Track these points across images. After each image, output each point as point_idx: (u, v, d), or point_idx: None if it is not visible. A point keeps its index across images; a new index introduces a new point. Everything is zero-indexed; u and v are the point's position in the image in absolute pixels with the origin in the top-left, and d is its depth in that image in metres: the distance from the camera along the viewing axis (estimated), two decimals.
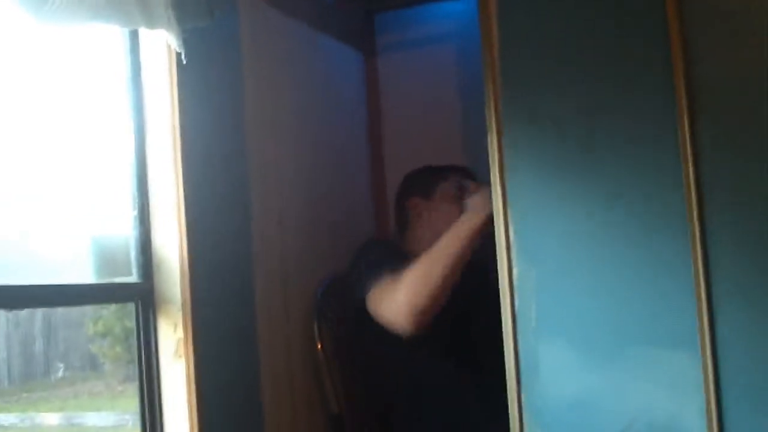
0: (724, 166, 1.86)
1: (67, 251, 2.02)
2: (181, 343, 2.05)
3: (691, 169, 1.87)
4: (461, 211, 2.52)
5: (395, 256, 2.52)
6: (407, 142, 2.98)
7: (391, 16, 3.21)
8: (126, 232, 2.09)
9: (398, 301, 2.32)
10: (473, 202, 2.46)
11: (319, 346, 2.51)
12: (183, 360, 2.04)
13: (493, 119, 2.05)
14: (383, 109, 3.18)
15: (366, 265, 2.52)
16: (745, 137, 1.86)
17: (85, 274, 2.03)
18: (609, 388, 1.94)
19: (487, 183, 2.12)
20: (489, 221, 2.19)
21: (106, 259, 2.08)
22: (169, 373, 2.05)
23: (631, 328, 1.93)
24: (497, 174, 2.04)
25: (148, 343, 2.06)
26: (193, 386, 2.03)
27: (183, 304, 2.05)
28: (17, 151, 1.91)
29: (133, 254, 2.08)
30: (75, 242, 2.03)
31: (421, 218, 2.69)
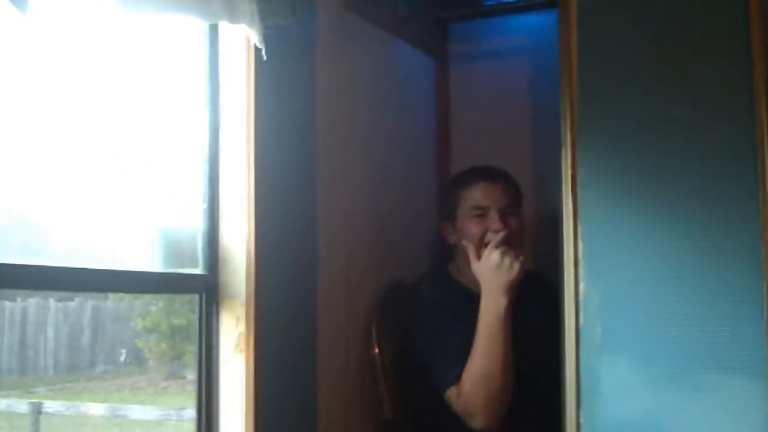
0: None
1: (137, 240, 2.03)
2: (243, 338, 2.05)
3: (767, 193, 1.85)
4: (483, 228, 2.52)
5: (458, 325, 2.48)
6: (475, 151, 2.97)
7: (465, 26, 3.21)
8: (195, 225, 2.10)
9: (473, 413, 2.38)
10: (483, 273, 2.45)
11: (376, 350, 2.50)
12: (243, 354, 2.04)
13: (569, 133, 2.04)
14: (453, 117, 3.17)
15: (436, 345, 2.48)
16: None
17: (153, 264, 2.05)
18: (670, 411, 1.92)
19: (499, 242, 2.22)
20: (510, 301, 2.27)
21: (173, 250, 2.09)
22: (229, 367, 2.06)
23: (695, 352, 1.90)
24: (569, 189, 2.02)
25: (209, 336, 2.07)
26: (252, 381, 2.03)
27: (247, 299, 2.05)
28: (95, 141, 1.93)
29: (200, 247, 2.09)
30: (145, 232, 2.05)
31: (454, 246, 2.66)
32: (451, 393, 2.40)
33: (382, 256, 2.68)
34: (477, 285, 2.53)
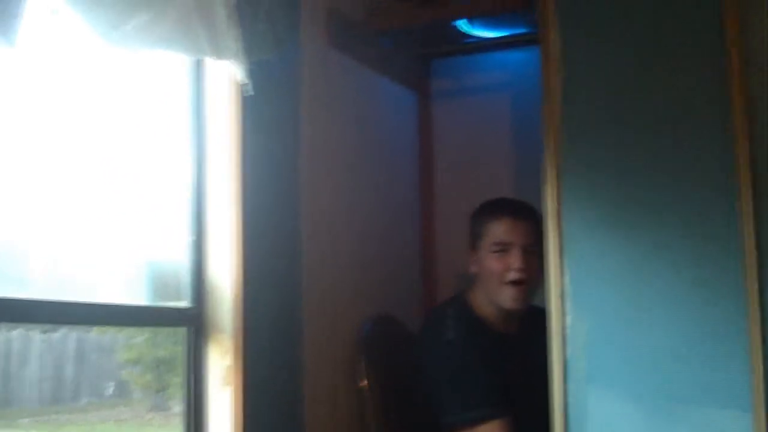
0: None
1: (123, 274, 2.03)
2: (230, 371, 2.05)
3: (751, 228, 1.87)
4: (503, 266, 2.51)
5: (483, 361, 2.47)
6: (459, 186, 2.99)
7: (448, 62, 3.23)
8: (181, 258, 2.10)
9: None
10: None
11: (364, 383, 2.50)
12: (230, 388, 2.04)
13: (553, 169, 2.06)
14: (436, 152, 3.19)
15: (445, 386, 2.46)
16: None
17: (140, 297, 2.04)
18: None
19: None
20: None
21: (160, 283, 2.09)
22: (216, 401, 2.05)
23: (682, 385, 1.92)
24: (554, 222, 2.04)
25: (197, 369, 2.06)
26: (240, 414, 2.03)
27: (233, 332, 2.05)
28: (80, 173, 1.93)
29: (186, 280, 2.09)
30: (132, 265, 2.05)
31: (477, 277, 2.61)
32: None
33: (366, 290, 2.68)
34: (496, 318, 2.56)
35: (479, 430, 2.39)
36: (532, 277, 2.51)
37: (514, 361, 2.53)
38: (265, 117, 2.22)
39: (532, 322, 2.53)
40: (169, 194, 2.15)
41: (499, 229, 2.55)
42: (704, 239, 1.93)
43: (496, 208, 2.61)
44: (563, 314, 2.01)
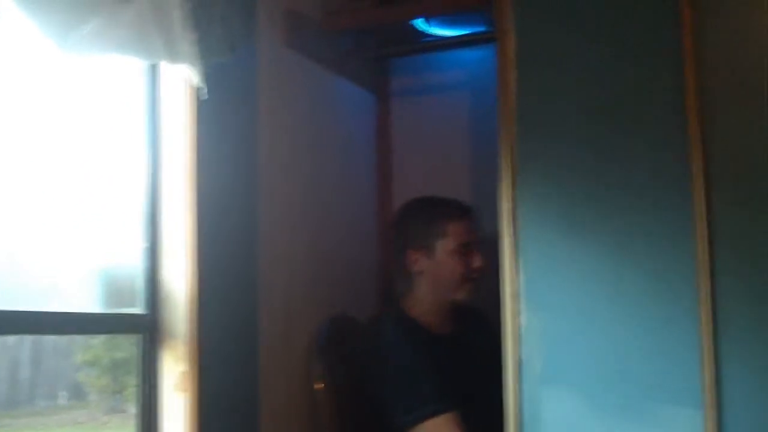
0: (736, 225, 1.88)
1: (75, 280, 2.02)
2: (184, 377, 2.04)
3: (704, 228, 1.89)
4: (465, 265, 2.55)
5: (423, 361, 2.51)
6: (416, 186, 2.98)
7: (406, 62, 3.24)
8: (135, 265, 2.09)
9: None
10: None
11: (319, 385, 2.50)
12: (185, 393, 2.03)
13: (508, 168, 2.07)
14: (394, 152, 3.19)
15: (389, 389, 2.49)
16: (758, 195, 1.88)
17: (93, 304, 2.03)
18: None
19: None
20: None
21: (113, 289, 2.08)
22: (170, 407, 2.05)
23: (636, 382, 1.94)
24: (509, 223, 2.05)
25: (151, 375, 2.05)
26: (194, 420, 2.03)
27: (188, 338, 2.05)
28: (32, 178, 1.91)
29: (141, 286, 2.08)
30: (84, 272, 2.03)
31: (422, 276, 2.64)
32: (423, 428, 2.41)
33: (323, 291, 2.68)
34: (431, 319, 2.58)
35: (428, 427, 2.41)
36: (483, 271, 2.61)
37: (452, 361, 2.56)
38: (221, 120, 2.21)
39: (463, 322, 2.60)
40: (123, 200, 2.13)
41: (463, 230, 2.61)
42: (658, 238, 1.95)
43: (451, 209, 2.65)
44: (517, 314, 2.03)
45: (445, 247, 2.60)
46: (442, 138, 3.12)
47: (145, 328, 2.06)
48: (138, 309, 2.08)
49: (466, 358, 2.61)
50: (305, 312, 2.56)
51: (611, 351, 1.96)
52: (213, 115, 2.14)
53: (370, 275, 3.03)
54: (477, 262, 2.59)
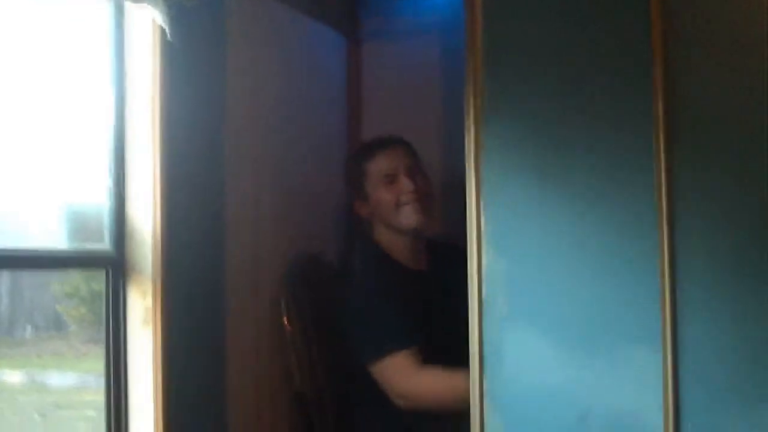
0: (695, 173, 1.89)
1: (41, 217, 2.02)
2: (150, 312, 2.06)
3: (663, 174, 1.90)
4: (395, 192, 2.60)
5: (391, 295, 2.55)
6: (386, 128, 2.97)
7: (376, 4, 3.22)
8: (101, 201, 2.09)
9: (409, 403, 2.47)
10: None
11: (287, 324, 2.52)
12: (150, 328, 2.05)
13: (472, 111, 2.06)
14: (365, 95, 3.19)
15: (356, 323, 2.54)
16: (717, 148, 1.89)
17: (58, 240, 2.04)
18: (571, 378, 1.98)
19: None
20: None
21: (79, 226, 2.09)
22: (137, 341, 2.07)
23: (596, 321, 1.96)
24: (473, 165, 2.05)
25: (116, 310, 2.07)
26: (160, 355, 2.05)
27: (153, 274, 2.06)
28: None
29: (106, 223, 2.09)
30: (49, 208, 2.04)
31: (372, 220, 2.71)
32: (382, 365, 2.47)
33: (291, 231, 2.70)
34: (403, 252, 2.60)
35: (389, 362, 2.45)
36: (425, 194, 2.65)
37: (425, 297, 2.59)
38: (189, 61, 2.19)
39: (441, 259, 2.62)
40: (90, 138, 2.13)
41: (380, 164, 2.67)
42: (620, 183, 1.95)
43: (368, 148, 2.74)
44: (480, 254, 2.04)
45: (371, 185, 2.66)
46: (412, 81, 3.11)
47: (111, 265, 2.07)
48: (104, 245, 2.09)
49: (439, 295, 2.64)
50: (274, 250, 2.58)
51: (572, 292, 1.98)
52: (180, 55, 2.12)
53: (339, 216, 3.04)
54: (406, 186, 2.62)
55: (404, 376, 2.47)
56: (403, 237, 2.67)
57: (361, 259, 2.69)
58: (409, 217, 2.64)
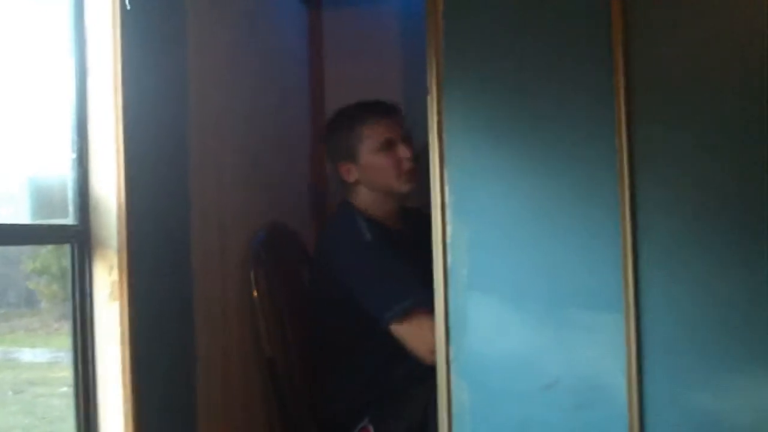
0: (656, 137, 1.91)
1: (2, 191, 2.01)
2: (116, 286, 2.05)
3: (624, 138, 1.91)
4: (393, 158, 2.61)
5: (395, 255, 2.57)
6: (349, 95, 2.96)
7: None
8: (64, 174, 2.07)
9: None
10: None
11: (255, 293, 2.53)
12: (117, 302, 2.05)
13: (434, 80, 2.07)
14: (326, 63, 3.19)
15: (370, 286, 2.54)
16: (677, 110, 1.91)
17: (21, 214, 2.03)
18: (535, 345, 2.00)
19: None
20: None
21: (42, 199, 2.08)
22: (104, 316, 2.06)
23: (559, 288, 1.98)
24: (435, 134, 2.06)
25: (82, 285, 2.06)
26: (127, 329, 2.04)
27: (119, 248, 2.05)
28: None
29: (70, 196, 2.07)
30: (11, 182, 2.02)
31: (359, 184, 2.72)
32: (400, 328, 2.48)
33: (256, 200, 2.70)
34: (384, 217, 2.63)
35: (416, 319, 2.47)
36: (417, 162, 2.66)
37: (411, 255, 2.59)
38: (149, 30, 2.17)
39: (411, 221, 2.68)
40: (50, 109, 2.11)
41: (380, 128, 2.67)
42: (581, 149, 1.97)
43: (365, 111, 2.71)
44: (444, 223, 2.05)
45: (367, 149, 2.66)
46: (373, 47, 3.12)
47: (75, 239, 2.06)
48: (68, 219, 2.08)
49: (419, 252, 2.65)
50: (239, 220, 2.58)
51: (535, 259, 2.00)
52: (140, 24, 2.10)
53: (304, 184, 3.05)
54: (404, 152, 2.65)
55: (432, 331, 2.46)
56: (389, 200, 2.69)
57: (349, 223, 2.68)
58: (407, 182, 2.67)
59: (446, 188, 2.05)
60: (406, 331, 2.48)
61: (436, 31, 2.07)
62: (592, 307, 1.96)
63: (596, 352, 1.96)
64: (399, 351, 2.52)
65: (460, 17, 2.06)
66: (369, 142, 2.66)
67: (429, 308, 2.39)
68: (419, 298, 2.43)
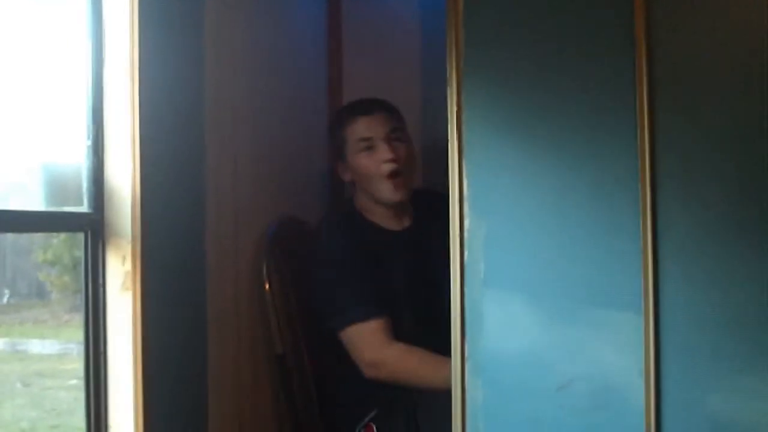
0: (677, 134, 1.88)
1: (17, 177, 2.00)
2: (129, 276, 2.04)
3: (646, 132, 1.88)
4: (374, 161, 2.55)
5: (359, 262, 2.54)
6: (366, 87, 2.95)
7: None
8: (79, 162, 2.07)
9: (377, 374, 2.46)
10: None
11: (267, 286, 2.51)
12: (130, 293, 2.04)
13: (454, 72, 2.04)
14: (344, 52, 3.15)
15: (330, 286, 2.52)
16: (700, 105, 1.88)
17: (35, 202, 2.02)
18: (551, 343, 1.97)
19: None
20: None
21: (56, 187, 2.07)
22: (116, 306, 2.05)
23: (577, 286, 1.95)
24: (455, 127, 2.04)
25: (95, 275, 2.05)
26: (139, 319, 2.03)
27: (133, 237, 2.04)
28: None
29: (84, 184, 2.06)
30: (26, 169, 2.01)
31: (354, 184, 2.68)
32: (351, 332, 2.46)
33: (272, 192, 2.68)
34: (385, 216, 2.58)
35: (355, 330, 2.45)
36: (407, 165, 2.59)
37: (407, 258, 2.57)
38: (166, 18, 2.16)
39: (426, 208, 2.60)
40: (66, 97, 2.10)
41: (358, 128, 2.61)
42: (602, 146, 1.94)
43: (349, 111, 2.67)
44: (462, 218, 2.03)
45: (351, 150, 2.61)
46: (392, 37, 3.09)
47: (89, 227, 2.05)
48: (82, 207, 2.07)
49: (420, 254, 2.63)
50: (254, 212, 2.56)
51: (553, 256, 1.97)
52: (157, 12, 2.10)
53: (320, 177, 3.03)
54: (384, 154, 2.57)
55: (371, 345, 2.45)
56: (383, 205, 2.65)
57: (331, 223, 2.66)
58: (389, 192, 2.60)
59: (465, 182, 2.03)
60: (346, 341, 2.49)
61: (456, 23, 2.05)
62: (610, 306, 1.93)
63: (613, 352, 1.93)
64: None
65: (481, 9, 2.04)
66: (351, 143, 2.61)
67: (378, 321, 2.42)
68: (368, 310, 2.45)
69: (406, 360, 2.46)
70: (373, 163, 2.58)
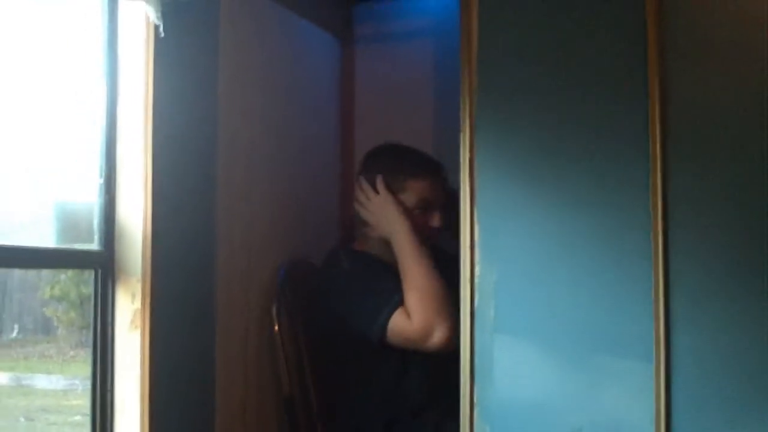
0: (690, 183, 1.88)
1: (29, 214, 2.00)
2: (138, 314, 2.04)
3: (658, 183, 1.89)
4: (422, 223, 2.55)
5: (377, 273, 2.53)
6: (378, 132, 2.95)
7: (371, 8, 3.21)
8: (91, 200, 2.07)
9: (432, 328, 2.39)
10: (375, 218, 2.55)
11: (277, 328, 2.51)
12: (139, 331, 2.03)
13: (467, 118, 2.05)
14: (357, 98, 3.17)
15: (362, 294, 2.49)
16: (712, 155, 1.88)
17: (47, 239, 2.02)
18: (561, 390, 1.96)
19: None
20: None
21: (68, 224, 2.07)
22: (124, 344, 2.04)
23: (587, 333, 1.95)
24: (467, 173, 2.04)
25: (104, 312, 2.05)
26: (147, 358, 2.02)
27: (143, 276, 2.04)
28: None
29: (96, 222, 2.07)
30: (38, 206, 2.02)
31: (364, 223, 2.65)
32: (397, 322, 2.41)
33: (282, 234, 2.68)
34: (387, 258, 2.57)
35: (396, 319, 2.42)
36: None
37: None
38: (181, 58, 2.18)
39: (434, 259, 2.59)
40: (79, 135, 2.11)
41: (424, 189, 2.58)
42: (613, 193, 1.94)
43: (415, 164, 2.62)
44: (473, 264, 2.03)
45: (403, 202, 2.57)
46: (405, 85, 3.10)
47: (100, 265, 2.05)
48: (93, 245, 2.07)
49: None
50: (265, 253, 2.56)
51: (564, 303, 1.97)
52: (172, 52, 2.11)
53: (331, 220, 3.03)
54: (435, 221, 2.57)
55: (414, 318, 2.41)
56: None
57: (338, 251, 2.65)
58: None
59: (476, 227, 2.03)
60: (394, 335, 2.43)
61: (470, 67, 2.07)
62: (620, 355, 1.92)
63: (624, 401, 1.92)
64: (407, 366, 2.50)
65: (494, 56, 2.06)
66: (407, 196, 2.56)
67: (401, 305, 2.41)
68: (394, 300, 2.42)
69: (439, 297, 2.42)
70: (422, 223, 2.56)
